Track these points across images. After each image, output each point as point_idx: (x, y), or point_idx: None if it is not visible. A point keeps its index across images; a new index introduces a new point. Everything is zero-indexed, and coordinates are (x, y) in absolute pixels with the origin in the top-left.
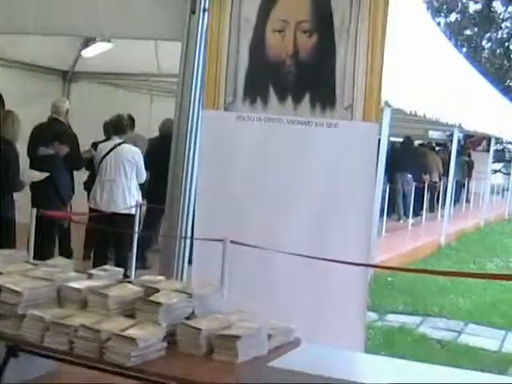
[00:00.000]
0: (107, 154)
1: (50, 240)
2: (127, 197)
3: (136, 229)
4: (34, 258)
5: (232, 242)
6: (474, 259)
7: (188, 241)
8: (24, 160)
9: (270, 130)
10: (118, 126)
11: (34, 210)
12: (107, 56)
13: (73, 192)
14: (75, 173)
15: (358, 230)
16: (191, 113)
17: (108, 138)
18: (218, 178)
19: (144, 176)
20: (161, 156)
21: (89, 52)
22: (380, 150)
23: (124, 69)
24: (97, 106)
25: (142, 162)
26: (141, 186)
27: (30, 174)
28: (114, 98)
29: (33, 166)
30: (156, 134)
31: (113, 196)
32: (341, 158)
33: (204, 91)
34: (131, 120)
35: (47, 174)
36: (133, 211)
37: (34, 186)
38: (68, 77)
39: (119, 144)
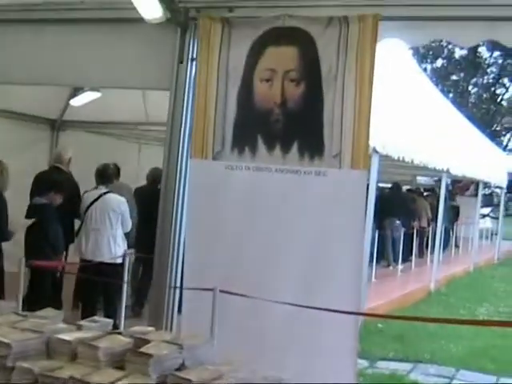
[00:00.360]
0: (92, 203)
1: (39, 290)
2: (112, 246)
3: (125, 278)
4: (24, 309)
5: (222, 291)
6: (464, 304)
7: (178, 290)
8: (12, 209)
9: (258, 179)
10: (104, 175)
11: (23, 260)
12: (95, 105)
13: (72, 241)
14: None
15: (348, 277)
16: (180, 162)
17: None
18: (207, 227)
19: (129, 226)
20: (149, 204)
21: (77, 101)
22: (369, 196)
23: (112, 117)
24: (85, 155)
25: (128, 212)
26: (127, 234)
27: (16, 222)
28: (102, 146)
29: (26, 215)
30: (144, 182)
31: (98, 245)
32: (330, 206)
33: (192, 140)
34: (117, 169)
35: (31, 221)
36: (118, 261)
37: (27, 234)
38: (56, 126)
39: (105, 193)
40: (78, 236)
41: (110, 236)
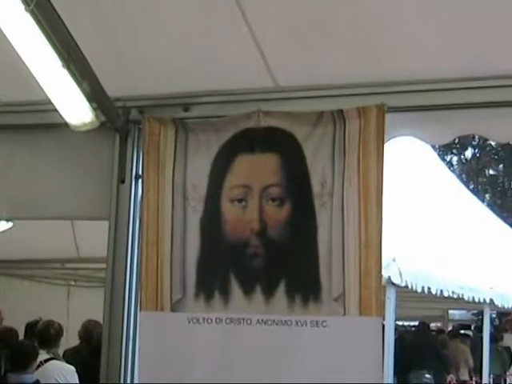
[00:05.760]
0: None
1: None
2: None
3: None
4: None
5: None
6: None
7: None
8: None
9: (234, 334)
10: (45, 337)
11: None
12: (6, 238)
13: None
14: None
15: None
16: (126, 315)
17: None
18: None
19: None
20: (85, 372)
21: None
22: (385, 342)
23: (30, 254)
24: None
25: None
26: None
27: None
28: (17, 292)
29: None
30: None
31: None
32: (333, 364)
33: (142, 286)
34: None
35: None
36: None
37: None
38: None
39: (46, 360)
40: None
41: None
